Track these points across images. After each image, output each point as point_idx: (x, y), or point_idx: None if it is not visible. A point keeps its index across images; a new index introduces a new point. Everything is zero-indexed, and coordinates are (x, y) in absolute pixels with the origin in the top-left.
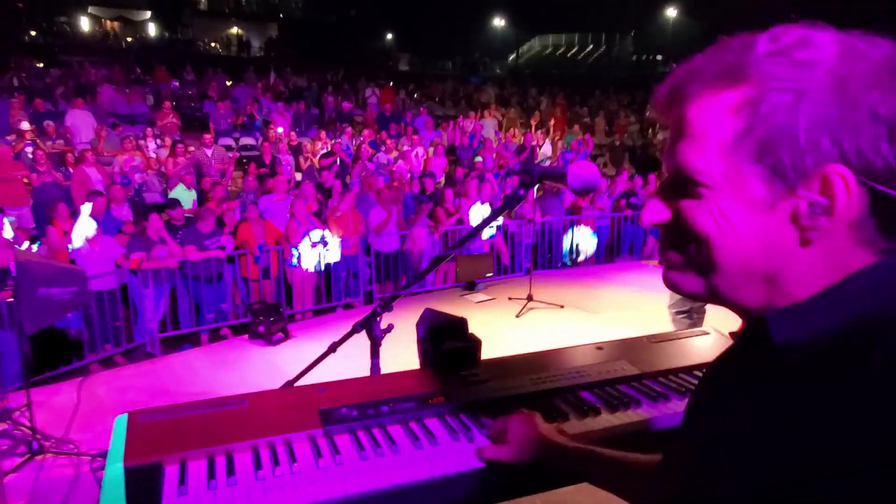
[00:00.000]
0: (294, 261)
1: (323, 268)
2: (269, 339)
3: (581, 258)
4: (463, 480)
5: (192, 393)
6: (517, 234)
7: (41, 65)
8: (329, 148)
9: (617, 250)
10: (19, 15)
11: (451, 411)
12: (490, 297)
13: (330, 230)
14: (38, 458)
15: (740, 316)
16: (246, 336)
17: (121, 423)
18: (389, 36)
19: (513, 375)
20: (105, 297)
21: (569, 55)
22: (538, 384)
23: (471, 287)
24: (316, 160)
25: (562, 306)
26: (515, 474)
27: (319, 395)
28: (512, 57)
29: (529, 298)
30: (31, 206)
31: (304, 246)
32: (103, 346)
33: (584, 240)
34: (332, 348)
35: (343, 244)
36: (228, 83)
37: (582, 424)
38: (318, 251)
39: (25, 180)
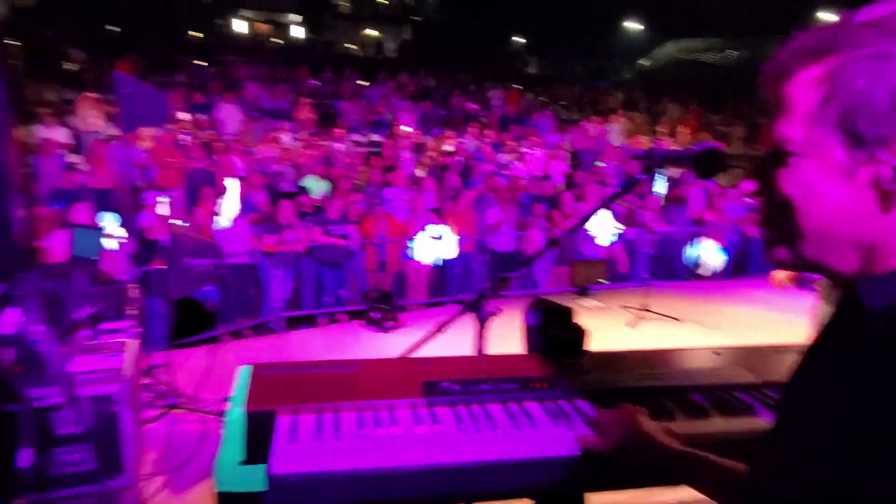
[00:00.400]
0: (411, 253)
1: (439, 262)
2: (381, 326)
3: (704, 272)
4: (558, 465)
5: None
6: (636, 242)
7: (201, 63)
8: (452, 147)
9: (745, 267)
10: (185, 19)
11: (553, 397)
12: (602, 304)
13: (448, 226)
14: (173, 412)
15: (836, 283)
16: (360, 322)
17: (245, 372)
18: (520, 39)
19: (618, 369)
20: (239, 275)
21: (705, 59)
22: (644, 380)
23: (583, 292)
24: (438, 158)
25: (679, 320)
26: (612, 467)
27: (425, 367)
28: (644, 61)
29: (644, 308)
30: (183, 188)
31: (422, 239)
32: (234, 319)
33: (709, 254)
34: (440, 327)
35: (460, 241)
36: (362, 83)
37: (689, 426)
38: (434, 245)
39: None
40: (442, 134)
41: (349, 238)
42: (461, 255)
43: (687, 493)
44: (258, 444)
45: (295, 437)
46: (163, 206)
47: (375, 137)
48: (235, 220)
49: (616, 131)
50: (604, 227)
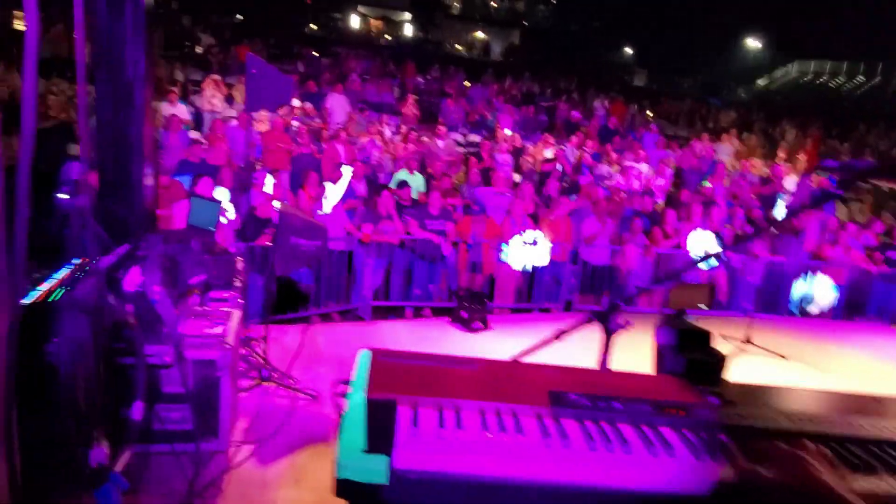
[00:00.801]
0: (503, 256)
1: (529, 268)
2: (469, 325)
3: (814, 310)
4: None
5: None
6: (740, 270)
7: (316, 54)
8: (552, 154)
9: (861, 309)
10: (305, 11)
11: (692, 426)
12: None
13: (542, 233)
14: (265, 385)
15: None
16: (447, 319)
17: (364, 357)
18: (629, 50)
19: (762, 405)
20: (334, 260)
21: (831, 84)
22: (796, 423)
23: (680, 316)
24: (537, 164)
25: (784, 357)
26: None
27: (548, 375)
28: (762, 81)
29: (747, 341)
30: (290, 171)
31: (515, 244)
32: (325, 302)
33: (821, 290)
34: (558, 335)
35: (553, 249)
36: (466, 83)
37: (858, 482)
38: (527, 251)
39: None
40: (542, 140)
41: (445, 235)
42: (552, 263)
43: None
44: (380, 434)
45: (417, 432)
46: (270, 186)
47: (475, 138)
48: (335, 206)
49: (727, 152)
50: (709, 249)
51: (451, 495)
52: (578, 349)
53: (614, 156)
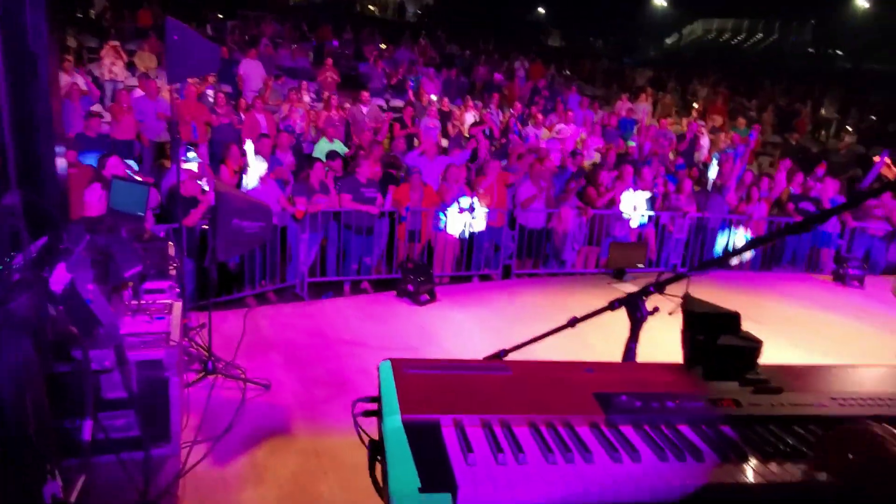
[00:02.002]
0: (441, 225)
1: (467, 235)
2: (416, 298)
3: (735, 262)
4: None
5: (347, 341)
6: (668, 226)
7: (221, 16)
8: (479, 118)
9: (776, 259)
10: None
11: (746, 421)
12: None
13: (477, 199)
14: (211, 377)
15: None
16: (392, 293)
17: (386, 370)
18: (541, 10)
19: (808, 389)
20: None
21: (735, 42)
22: (849, 406)
23: (619, 276)
24: (465, 128)
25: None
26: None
27: (588, 374)
28: (671, 40)
29: (685, 296)
30: (208, 144)
31: (452, 211)
32: (259, 282)
33: (741, 243)
34: (573, 323)
35: (489, 216)
36: (383, 46)
37: None
38: (464, 218)
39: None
40: (465, 103)
41: (378, 203)
42: (489, 228)
43: None
44: (433, 466)
45: (473, 460)
46: (192, 163)
47: (398, 103)
48: (267, 178)
49: (645, 111)
50: (636, 209)
51: None
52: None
53: (540, 117)
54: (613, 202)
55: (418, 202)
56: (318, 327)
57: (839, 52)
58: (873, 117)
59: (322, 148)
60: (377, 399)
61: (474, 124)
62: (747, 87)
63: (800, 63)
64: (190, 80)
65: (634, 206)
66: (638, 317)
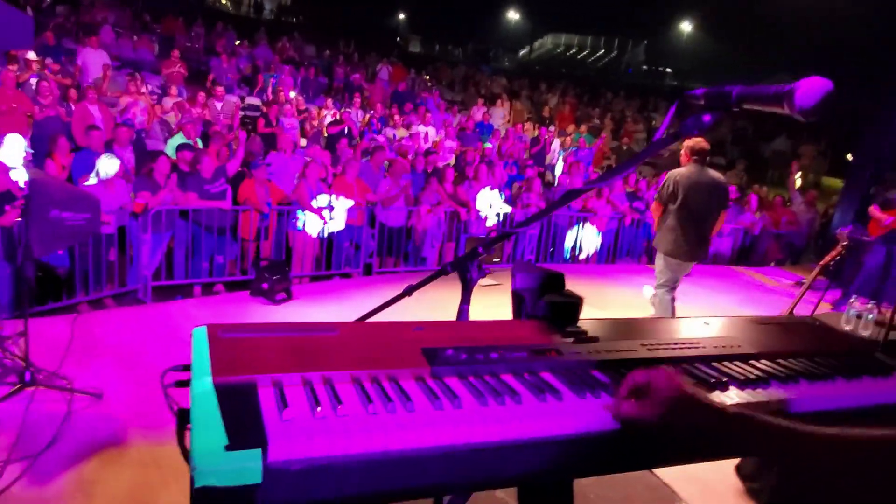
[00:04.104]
0: (299, 224)
1: (326, 234)
2: (271, 297)
3: (583, 256)
4: (593, 442)
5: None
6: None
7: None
8: (338, 117)
9: (618, 252)
10: None
11: (568, 367)
12: (496, 283)
13: (336, 198)
14: (30, 389)
15: None
16: (245, 293)
17: (200, 336)
18: (402, 16)
19: (621, 338)
20: (103, 238)
21: (580, 56)
22: (655, 350)
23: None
24: (324, 127)
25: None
26: (657, 439)
27: (417, 332)
28: (524, 51)
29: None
30: (30, 137)
31: (311, 210)
32: (95, 287)
33: (588, 238)
34: (409, 291)
35: (349, 214)
36: (237, 42)
37: (713, 398)
38: (323, 217)
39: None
40: (325, 103)
41: (227, 200)
42: (348, 227)
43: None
44: (243, 424)
45: (289, 415)
46: (9, 154)
47: (253, 101)
48: (115, 179)
49: (500, 116)
50: (492, 207)
51: (339, 480)
52: (423, 307)
53: (400, 119)
54: (467, 204)
55: (265, 198)
56: (159, 331)
57: (668, 70)
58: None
59: (175, 143)
60: (190, 367)
61: (333, 123)
62: (591, 97)
63: (635, 78)
64: (9, 66)
65: (490, 203)
66: (468, 279)
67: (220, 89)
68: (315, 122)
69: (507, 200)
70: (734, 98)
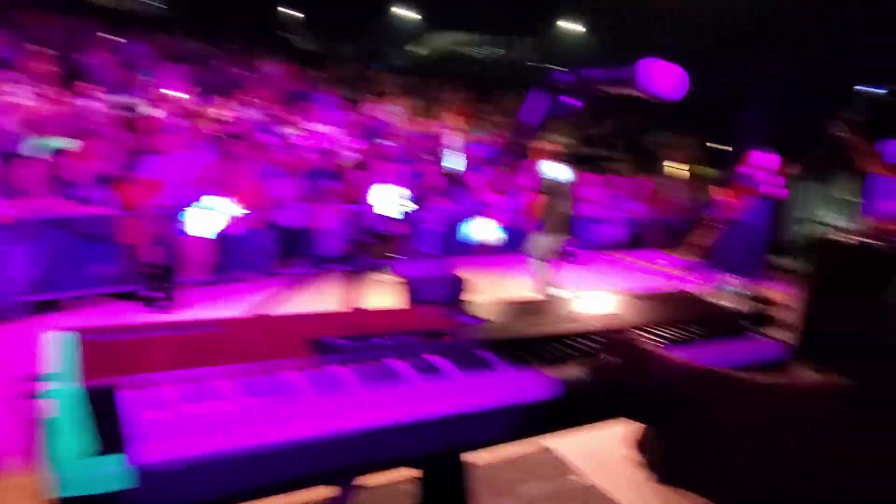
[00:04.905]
0: (186, 227)
1: (217, 237)
2: (159, 305)
3: (482, 247)
4: (480, 418)
5: None
6: (425, 220)
7: None
8: (226, 116)
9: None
10: None
11: (457, 348)
12: (397, 279)
13: (227, 199)
14: None
15: None
16: (130, 302)
17: (63, 340)
18: (289, 12)
19: (507, 318)
20: None
21: (472, 53)
22: (540, 327)
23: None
24: (214, 127)
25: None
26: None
27: (303, 324)
28: (414, 49)
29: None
30: None
31: (199, 212)
32: None
33: (486, 231)
34: (299, 284)
35: (244, 216)
36: (112, 37)
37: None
38: (213, 219)
39: None
40: (212, 102)
41: (108, 206)
42: (246, 230)
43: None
44: (108, 428)
45: (161, 415)
46: None
47: (134, 99)
48: None
49: (395, 112)
50: (393, 203)
51: (220, 478)
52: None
53: (293, 118)
54: (366, 200)
55: (148, 201)
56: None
57: (555, 67)
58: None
59: (43, 145)
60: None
61: (221, 123)
62: (484, 93)
63: (525, 75)
64: None
65: (388, 199)
66: (359, 273)
67: (94, 88)
68: (201, 122)
69: (412, 198)
70: (589, 81)
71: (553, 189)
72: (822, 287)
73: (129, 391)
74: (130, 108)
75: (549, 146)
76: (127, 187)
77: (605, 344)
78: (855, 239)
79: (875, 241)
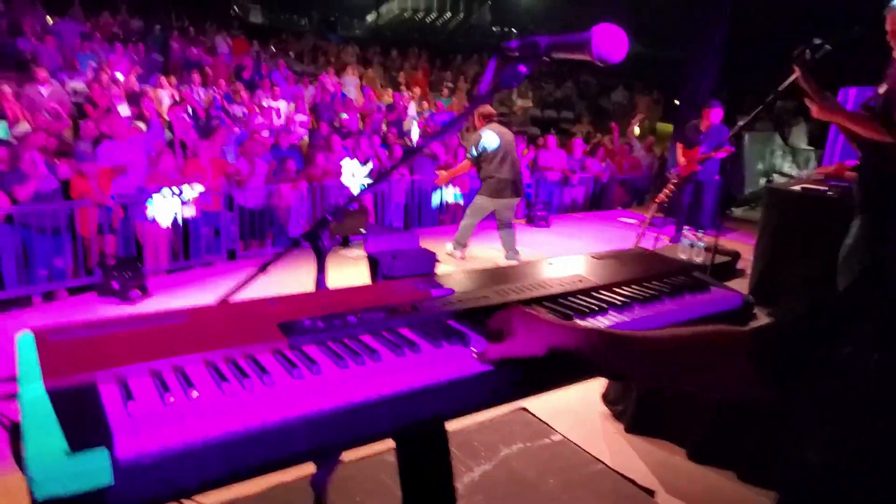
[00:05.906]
0: (148, 214)
1: (180, 223)
2: (124, 296)
3: (446, 218)
4: (454, 387)
5: None
6: (387, 193)
7: None
8: (178, 97)
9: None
10: None
11: (425, 320)
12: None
13: (187, 183)
14: None
15: None
16: (92, 295)
17: (26, 342)
18: None
19: (475, 287)
20: None
21: (428, 20)
22: (507, 294)
23: (345, 243)
24: (163, 109)
25: (439, 262)
26: (528, 370)
27: (273, 307)
28: (371, 17)
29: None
30: None
31: (158, 199)
32: None
33: (451, 199)
34: (263, 267)
35: (203, 199)
36: (49, 19)
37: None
38: (173, 205)
39: None
40: (160, 82)
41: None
42: (206, 213)
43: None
44: (83, 425)
45: (136, 407)
46: None
47: (76, 84)
48: None
49: (353, 84)
50: (355, 177)
51: (201, 465)
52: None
53: (247, 95)
54: (328, 176)
55: (102, 191)
56: None
57: (514, 31)
58: (543, 85)
59: None
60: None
61: (173, 104)
62: (443, 61)
63: (484, 40)
64: None
65: (353, 174)
66: (321, 249)
67: (41, 73)
68: (153, 105)
69: (373, 171)
70: (543, 48)
71: (490, 154)
72: (774, 235)
73: (102, 385)
74: (77, 95)
75: (486, 111)
76: (79, 178)
77: (493, 326)
78: (801, 186)
79: (820, 188)
